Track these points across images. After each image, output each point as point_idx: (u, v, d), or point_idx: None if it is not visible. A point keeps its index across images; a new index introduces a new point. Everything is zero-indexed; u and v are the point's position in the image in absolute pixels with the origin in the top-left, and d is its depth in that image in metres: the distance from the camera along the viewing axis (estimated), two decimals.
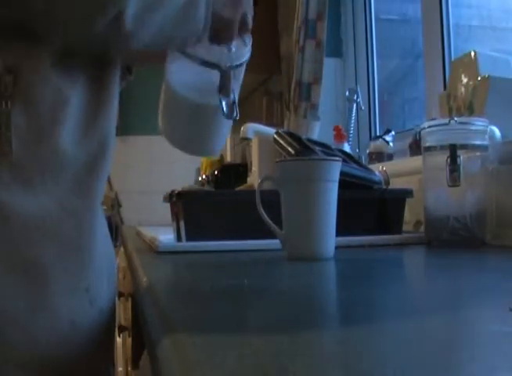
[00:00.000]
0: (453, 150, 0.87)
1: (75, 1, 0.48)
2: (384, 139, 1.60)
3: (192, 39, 0.59)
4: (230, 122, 0.73)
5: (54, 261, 0.51)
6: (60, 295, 0.51)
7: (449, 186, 0.87)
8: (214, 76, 0.66)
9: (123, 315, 1.60)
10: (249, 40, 0.68)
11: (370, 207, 1.01)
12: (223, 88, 0.66)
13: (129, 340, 1.27)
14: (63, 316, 0.51)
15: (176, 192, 0.93)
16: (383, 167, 1.25)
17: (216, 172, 1.82)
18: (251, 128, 1.44)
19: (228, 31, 0.62)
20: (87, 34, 0.51)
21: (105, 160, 0.56)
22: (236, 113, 0.67)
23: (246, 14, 0.63)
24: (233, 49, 0.66)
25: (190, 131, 0.72)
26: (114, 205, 2.74)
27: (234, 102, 0.67)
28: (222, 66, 0.65)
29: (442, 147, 0.89)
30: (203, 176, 2.01)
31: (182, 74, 0.68)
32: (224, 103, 0.66)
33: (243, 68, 0.70)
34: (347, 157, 1.08)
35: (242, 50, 0.67)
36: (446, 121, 0.90)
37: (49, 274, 0.50)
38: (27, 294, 0.49)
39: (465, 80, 1.13)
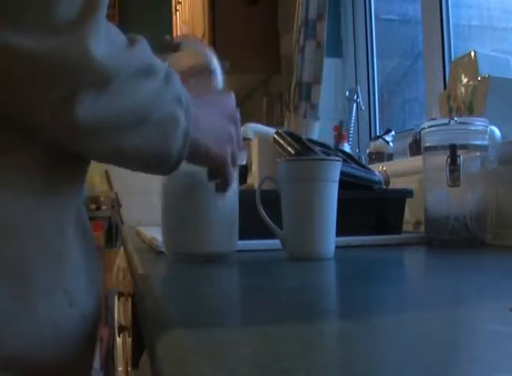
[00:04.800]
0: (453, 150, 0.87)
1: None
2: (384, 139, 1.60)
3: (163, 167, 0.57)
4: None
5: (34, 261, 0.50)
6: (40, 296, 0.50)
7: (449, 186, 0.87)
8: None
9: (123, 315, 1.59)
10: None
11: (370, 207, 1.01)
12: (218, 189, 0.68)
13: (129, 340, 1.27)
14: (43, 317, 0.50)
15: None
16: (383, 167, 1.26)
17: None
18: (251, 128, 1.43)
19: (222, 168, 0.63)
20: (33, 118, 0.47)
21: (83, 160, 0.56)
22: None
23: (234, 152, 0.64)
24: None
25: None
26: (114, 205, 2.74)
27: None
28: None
29: (442, 147, 0.89)
30: None
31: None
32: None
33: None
34: (347, 157, 1.08)
35: None
36: (446, 121, 0.90)
37: (30, 274, 0.50)
38: (10, 295, 0.48)
39: (465, 80, 1.13)
